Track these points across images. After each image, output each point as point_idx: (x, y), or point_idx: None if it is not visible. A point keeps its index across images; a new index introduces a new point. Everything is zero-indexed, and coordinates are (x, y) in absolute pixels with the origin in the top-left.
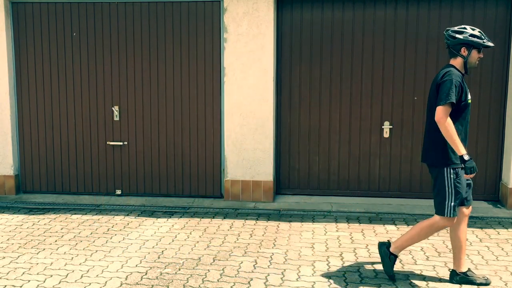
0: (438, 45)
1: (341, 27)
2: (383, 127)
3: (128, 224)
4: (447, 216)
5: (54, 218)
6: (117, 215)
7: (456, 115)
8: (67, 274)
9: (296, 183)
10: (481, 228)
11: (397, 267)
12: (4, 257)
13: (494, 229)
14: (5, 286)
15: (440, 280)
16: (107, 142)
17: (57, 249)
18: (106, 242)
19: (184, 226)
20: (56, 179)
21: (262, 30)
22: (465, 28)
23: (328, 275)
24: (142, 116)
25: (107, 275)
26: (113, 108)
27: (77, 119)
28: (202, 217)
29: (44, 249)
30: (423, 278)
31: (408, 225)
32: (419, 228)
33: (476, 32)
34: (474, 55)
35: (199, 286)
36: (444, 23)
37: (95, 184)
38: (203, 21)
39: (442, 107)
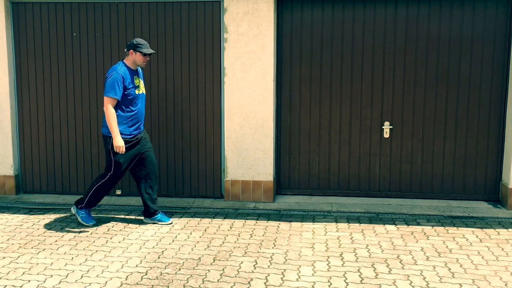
0: (438, 45)
1: (341, 27)
2: (383, 127)
3: (128, 224)
4: None
5: (54, 218)
6: (117, 215)
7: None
8: (67, 274)
9: (296, 183)
10: (481, 228)
11: (397, 267)
12: (4, 257)
13: (494, 229)
14: (5, 286)
15: (440, 280)
16: None
17: (57, 249)
18: (106, 242)
19: (185, 226)
20: (56, 179)
21: (262, 30)
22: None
23: (328, 275)
24: None
25: (107, 275)
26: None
27: (77, 119)
28: (203, 217)
29: (44, 249)
30: (423, 278)
31: (408, 225)
32: None
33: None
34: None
35: (199, 286)
36: (444, 23)
37: None
38: (203, 21)
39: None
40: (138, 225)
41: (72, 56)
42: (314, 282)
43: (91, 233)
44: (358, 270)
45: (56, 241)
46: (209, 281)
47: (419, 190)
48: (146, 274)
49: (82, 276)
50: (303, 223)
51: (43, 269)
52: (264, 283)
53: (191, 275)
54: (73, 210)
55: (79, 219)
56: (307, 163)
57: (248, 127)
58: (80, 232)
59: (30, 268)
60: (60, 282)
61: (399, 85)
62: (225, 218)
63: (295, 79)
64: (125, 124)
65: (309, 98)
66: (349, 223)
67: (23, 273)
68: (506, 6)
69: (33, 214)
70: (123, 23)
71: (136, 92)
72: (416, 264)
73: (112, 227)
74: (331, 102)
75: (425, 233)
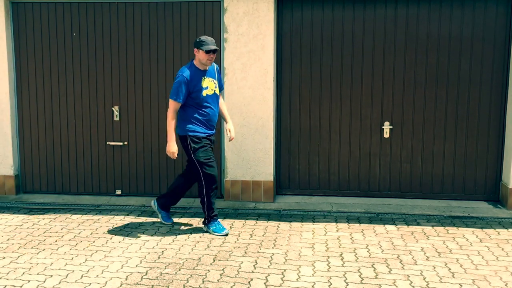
0: (438, 45)
1: (341, 27)
2: (383, 127)
3: (128, 224)
4: None
5: (54, 218)
6: (117, 215)
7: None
8: (67, 274)
9: (296, 183)
10: (481, 228)
11: (397, 267)
12: (4, 257)
13: (494, 229)
14: (5, 286)
15: (441, 280)
16: (107, 142)
17: (57, 249)
18: (106, 242)
19: (185, 226)
20: (56, 179)
21: (262, 30)
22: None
23: (328, 275)
24: (142, 116)
25: (107, 275)
26: (113, 108)
27: (77, 119)
28: (203, 217)
29: (44, 249)
30: (423, 278)
31: (408, 225)
32: None
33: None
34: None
35: (199, 286)
36: (444, 23)
37: (95, 184)
38: (203, 21)
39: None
40: (138, 225)
41: (72, 56)
42: (314, 282)
43: (91, 233)
44: (358, 270)
45: (56, 241)
46: (209, 281)
47: (419, 190)
48: (146, 274)
49: (82, 276)
50: (303, 223)
51: (43, 269)
52: (264, 283)
53: (191, 275)
54: (205, 228)
55: (214, 233)
56: (307, 163)
57: (248, 127)
58: (80, 232)
59: (30, 268)
60: (60, 282)
61: (399, 85)
62: (225, 218)
63: (295, 79)
64: (197, 124)
65: (309, 98)
66: (349, 223)
67: (23, 273)
68: (506, 6)
69: (33, 214)
70: (123, 23)
71: (204, 94)
72: (416, 264)
73: (112, 227)
74: (331, 102)
75: (425, 233)
